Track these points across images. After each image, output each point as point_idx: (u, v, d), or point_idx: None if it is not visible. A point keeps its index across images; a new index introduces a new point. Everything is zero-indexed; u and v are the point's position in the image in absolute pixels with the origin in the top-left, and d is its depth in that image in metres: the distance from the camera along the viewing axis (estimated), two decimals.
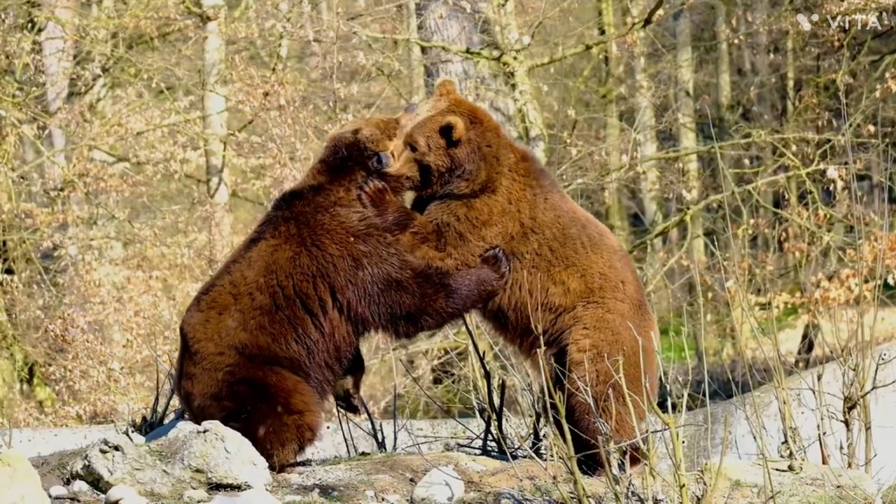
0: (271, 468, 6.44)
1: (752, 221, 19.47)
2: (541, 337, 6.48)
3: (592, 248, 6.89)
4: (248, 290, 6.63)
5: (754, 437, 6.71)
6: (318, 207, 6.73)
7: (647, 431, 6.01)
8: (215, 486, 6.20)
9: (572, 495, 6.04)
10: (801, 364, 19.72)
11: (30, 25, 20.60)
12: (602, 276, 6.85)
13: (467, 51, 18.11)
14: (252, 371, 6.57)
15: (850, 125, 18.70)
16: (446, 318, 6.77)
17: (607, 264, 6.89)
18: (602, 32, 23.49)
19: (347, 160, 6.84)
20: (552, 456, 6.45)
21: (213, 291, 6.73)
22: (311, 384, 6.68)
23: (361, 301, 6.63)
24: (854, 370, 7.19)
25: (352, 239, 6.66)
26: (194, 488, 6.18)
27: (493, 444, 7.65)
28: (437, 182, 6.83)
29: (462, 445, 7.79)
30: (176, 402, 8.17)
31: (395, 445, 8.44)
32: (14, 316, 19.69)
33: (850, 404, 7.20)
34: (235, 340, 6.59)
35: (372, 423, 8.28)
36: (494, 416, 7.58)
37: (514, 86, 18.39)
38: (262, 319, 6.60)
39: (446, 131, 6.78)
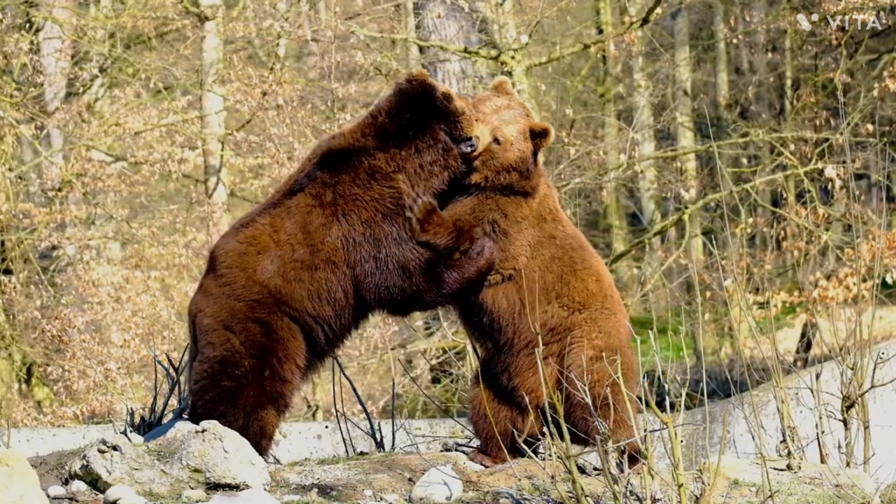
0: (253, 437, 6.47)
1: (750, 220, 19.44)
2: (539, 336, 6.48)
3: (598, 260, 6.98)
4: (289, 241, 6.65)
5: (753, 436, 6.71)
6: (358, 177, 6.70)
7: (645, 430, 6.00)
8: (214, 486, 6.20)
9: (570, 494, 6.03)
10: (799, 363, 19.70)
11: (27, 25, 20.60)
12: (611, 288, 6.94)
13: (465, 50, 18.09)
14: (271, 316, 6.61)
15: (848, 124, 18.69)
16: (436, 305, 6.86)
17: (611, 280, 6.98)
18: (600, 31, 23.51)
19: (417, 123, 6.71)
20: (550, 455, 6.44)
21: (252, 227, 6.73)
22: (318, 347, 6.74)
23: (367, 277, 6.65)
24: (852, 369, 7.19)
25: (379, 217, 6.66)
26: (192, 488, 6.17)
27: None
28: (491, 177, 6.81)
29: (461, 445, 7.77)
30: (174, 401, 8.16)
31: (393, 445, 8.44)
32: (12, 316, 19.68)
33: (848, 403, 7.20)
34: (271, 283, 6.61)
35: (370, 423, 8.28)
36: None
37: (512, 85, 18.36)
38: (302, 273, 6.63)
39: (539, 135, 6.82)
